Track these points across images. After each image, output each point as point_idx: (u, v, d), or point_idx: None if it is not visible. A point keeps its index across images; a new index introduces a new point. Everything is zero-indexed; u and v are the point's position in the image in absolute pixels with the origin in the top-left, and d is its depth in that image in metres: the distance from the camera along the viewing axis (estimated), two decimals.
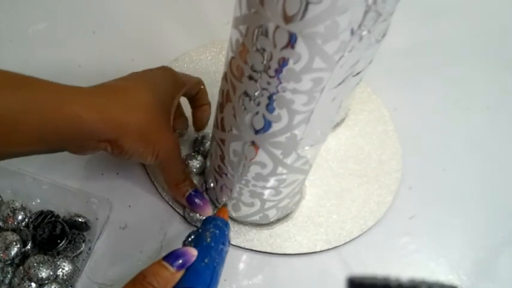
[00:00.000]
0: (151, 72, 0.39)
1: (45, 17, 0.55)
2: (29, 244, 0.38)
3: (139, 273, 0.31)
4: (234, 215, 0.42)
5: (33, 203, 0.40)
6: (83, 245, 0.39)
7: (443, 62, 0.60)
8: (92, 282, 0.38)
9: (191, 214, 0.42)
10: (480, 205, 0.48)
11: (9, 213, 0.38)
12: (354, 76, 0.42)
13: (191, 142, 0.47)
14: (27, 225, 0.39)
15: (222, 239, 0.35)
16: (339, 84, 0.29)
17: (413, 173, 0.49)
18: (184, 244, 0.35)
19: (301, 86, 0.28)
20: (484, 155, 0.53)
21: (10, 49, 0.52)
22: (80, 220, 0.39)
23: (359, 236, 0.44)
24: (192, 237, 0.35)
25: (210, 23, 0.58)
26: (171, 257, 0.32)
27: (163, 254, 0.40)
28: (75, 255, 0.38)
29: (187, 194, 0.41)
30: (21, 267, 0.36)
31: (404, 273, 0.44)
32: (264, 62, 0.28)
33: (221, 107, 0.35)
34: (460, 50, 0.62)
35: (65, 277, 0.37)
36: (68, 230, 0.38)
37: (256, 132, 0.32)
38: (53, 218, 0.39)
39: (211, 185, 0.42)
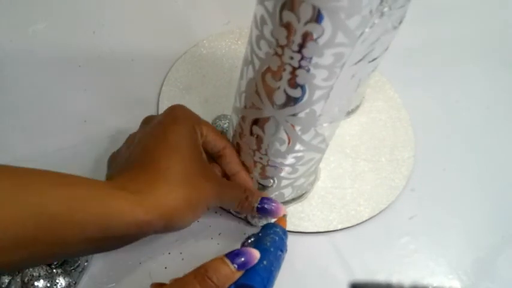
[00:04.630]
0: (164, 132, 0.36)
1: (45, 17, 0.55)
2: None
3: (201, 266, 0.31)
4: None
5: None
6: (80, 258, 0.38)
7: (443, 62, 0.60)
8: (92, 282, 0.38)
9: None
10: (480, 205, 0.48)
11: None
12: (370, 62, 0.42)
13: (211, 122, 0.48)
14: None
15: (281, 246, 0.36)
16: (359, 61, 0.30)
17: (414, 173, 0.49)
18: (244, 245, 0.36)
19: (323, 60, 0.29)
20: (484, 155, 0.53)
21: (10, 49, 0.52)
22: None
23: (372, 218, 0.45)
24: (252, 239, 0.36)
25: (210, 23, 0.58)
26: (234, 254, 0.32)
27: (164, 253, 0.40)
28: (72, 269, 0.38)
29: (255, 208, 0.39)
30: (17, 277, 0.36)
31: (404, 273, 0.44)
32: (288, 37, 0.29)
33: (243, 84, 0.36)
34: (460, 50, 0.62)
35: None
36: None
37: (277, 107, 0.33)
38: None
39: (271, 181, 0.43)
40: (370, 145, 0.50)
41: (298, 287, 0.41)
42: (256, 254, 0.33)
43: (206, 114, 0.48)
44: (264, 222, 0.42)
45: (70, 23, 0.55)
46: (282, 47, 0.29)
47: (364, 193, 0.47)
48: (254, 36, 0.32)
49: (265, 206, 0.39)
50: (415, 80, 0.58)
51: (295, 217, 0.44)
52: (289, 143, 0.36)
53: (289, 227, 0.43)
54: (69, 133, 0.46)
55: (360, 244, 0.44)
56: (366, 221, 0.45)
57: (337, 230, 0.44)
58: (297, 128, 0.34)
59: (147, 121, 0.39)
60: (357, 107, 0.53)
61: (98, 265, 0.39)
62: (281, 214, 0.39)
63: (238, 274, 0.32)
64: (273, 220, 0.41)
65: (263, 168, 0.39)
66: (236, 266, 0.32)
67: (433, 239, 0.45)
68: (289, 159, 0.38)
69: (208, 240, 0.42)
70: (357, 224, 0.45)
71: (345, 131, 0.51)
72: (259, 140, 0.37)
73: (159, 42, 0.55)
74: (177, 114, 0.37)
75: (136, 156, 0.35)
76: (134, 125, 0.49)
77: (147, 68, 0.53)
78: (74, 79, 0.51)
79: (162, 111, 0.39)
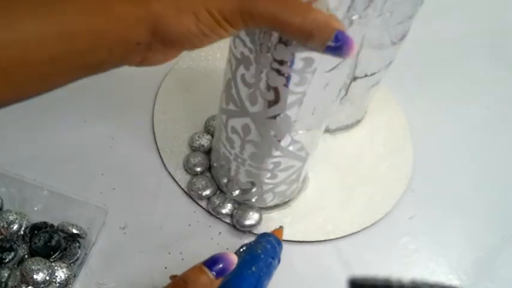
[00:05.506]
0: None
1: None
2: (25, 250, 0.38)
3: (180, 277, 0.31)
4: (232, 195, 0.43)
5: (35, 209, 0.40)
6: (79, 251, 0.38)
7: (443, 62, 0.60)
8: (91, 282, 0.38)
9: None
10: (480, 205, 0.48)
11: (4, 224, 0.38)
12: (368, 76, 0.42)
13: (204, 122, 0.48)
14: (22, 237, 0.38)
15: (273, 254, 0.36)
16: (331, 69, 0.30)
17: (414, 173, 0.49)
18: (236, 254, 0.36)
19: (294, 64, 0.29)
20: (483, 155, 0.53)
21: None
22: (74, 231, 0.38)
23: (357, 232, 0.44)
24: (244, 248, 0.37)
25: None
26: (211, 261, 0.31)
27: (164, 253, 0.41)
28: (71, 262, 0.38)
29: (333, 36, 0.26)
30: (17, 271, 0.36)
31: (404, 273, 0.44)
32: (259, 40, 0.29)
33: (223, 84, 0.36)
34: (460, 50, 0.62)
35: (60, 282, 0.37)
36: (64, 244, 0.38)
37: (251, 109, 0.33)
38: (48, 228, 0.38)
39: (214, 164, 0.43)
40: (366, 160, 0.49)
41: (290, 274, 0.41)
42: (233, 259, 0.32)
43: (203, 114, 0.49)
44: (236, 193, 0.42)
45: None
46: (254, 49, 0.30)
47: (351, 208, 0.46)
48: (233, 37, 0.32)
49: (342, 38, 0.26)
50: (414, 79, 0.58)
51: (275, 223, 0.43)
52: (264, 147, 0.36)
53: (287, 236, 0.42)
54: (69, 133, 0.46)
55: (360, 244, 0.44)
56: (368, 227, 0.45)
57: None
58: (272, 133, 0.34)
59: None
60: (358, 121, 0.52)
61: (96, 259, 0.39)
62: (351, 52, 0.27)
63: (218, 282, 0.31)
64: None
65: (242, 171, 0.39)
66: (215, 273, 0.31)
67: (433, 239, 0.45)
68: (267, 164, 0.38)
69: (208, 240, 0.42)
70: (343, 239, 0.44)
71: (344, 144, 0.50)
72: (236, 141, 0.37)
73: None
74: None
75: None
76: (134, 124, 0.49)
77: (147, 67, 0.53)
78: None
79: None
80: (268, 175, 0.39)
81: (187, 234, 0.42)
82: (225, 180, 0.42)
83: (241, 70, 0.32)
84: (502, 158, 0.53)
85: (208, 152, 0.46)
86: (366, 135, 0.51)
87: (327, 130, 0.49)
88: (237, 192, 0.42)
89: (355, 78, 0.43)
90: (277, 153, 0.36)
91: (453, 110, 0.56)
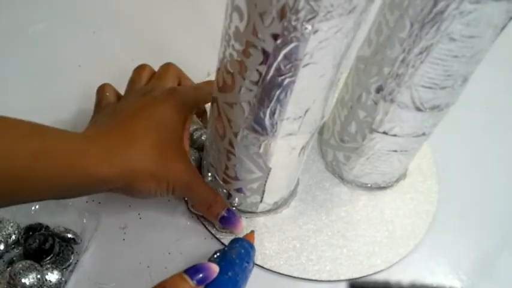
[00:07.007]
0: (154, 106, 0.38)
1: (45, 17, 0.55)
2: (16, 251, 0.38)
3: (159, 284, 0.31)
4: (207, 179, 0.43)
5: (32, 211, 0.40)
6: (72, 256, 0.38)
7: None
8: (91, 282, 0.38)
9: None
10: (480, 205, 0.48)
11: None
12: (414, 137, 0.40)
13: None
14: (17, 241, 0.38)
15: (247, 258, 0.36)
16: (287, 72, 0.28)
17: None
18: (210, 261, 0.36)
19: (245, 52, 0.29)
20: (483, 155, 0.53)
21: (10, 49, 0.52)
22: (69, 236, 0.38)
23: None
24: (218, 254, 0.37)
25: (210, 21, 0.58)
26: (192, 270, 0.32)
27: (164, 253, 0.40)
28: (64, 268, 0.37)
29: (220, 216, 0.40)
30: (6, 273, 0.35)
31: (404, 274, 0.44)
32: (226, 23, 0.30)
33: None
34: None
35: (50, 286, 0.36)
36: (58, 247, 0.37)
37: (218, 89, 0.34)
38: (44, 231, 0.38)
39: (209, 174, 0.42)
40: (374, 224, 0.45)
41: None
42: (215, 268, 0.33)
43: None
44: (209, 178, 0.42)
45: (70, 23, 0.55)
46: (226, 33, 0.30)
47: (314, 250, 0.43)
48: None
49: (228, 219, 0.40)
50: None
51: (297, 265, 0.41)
52: (221, 131, 0.35)
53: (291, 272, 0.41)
54: None
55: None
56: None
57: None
58: (231, 122, 0.34)
59: (146, 88, 0.41)
60: (390, 184, 0.48)
61: (96, 259, 0.39)
62: (239, 231, 0.41)
63: None
64: (240, 235, 0.40)
65: (210, 151, 0.39)
66: (195, 281, 0.32)
67: (433, 239, 0.45)
68: (222, 153, 0.37)
69: (208, 240, 0.42)
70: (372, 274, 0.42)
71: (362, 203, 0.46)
72: (209, 120, 0.38)
73: (159, 42, 0.55)
74: (174, 98, 0.38)
75: (121, 116, 0.37)
76: None
77: None
78: (74, 79, 0.51)
79: None
80: (223, 167, 0.38)
81: (188, 235, 0.42)
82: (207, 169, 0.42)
83: (219, 54, 0.32)
84: (501, 158, 0.53)
85: (198, 167, 0.45)
86: (390, 200, 0.48)
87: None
88: (209, 177, 0.42)
89: (371, 130, 0.40)
90: (233, 143, 0.35)
91: (452, 110, 0.56)
